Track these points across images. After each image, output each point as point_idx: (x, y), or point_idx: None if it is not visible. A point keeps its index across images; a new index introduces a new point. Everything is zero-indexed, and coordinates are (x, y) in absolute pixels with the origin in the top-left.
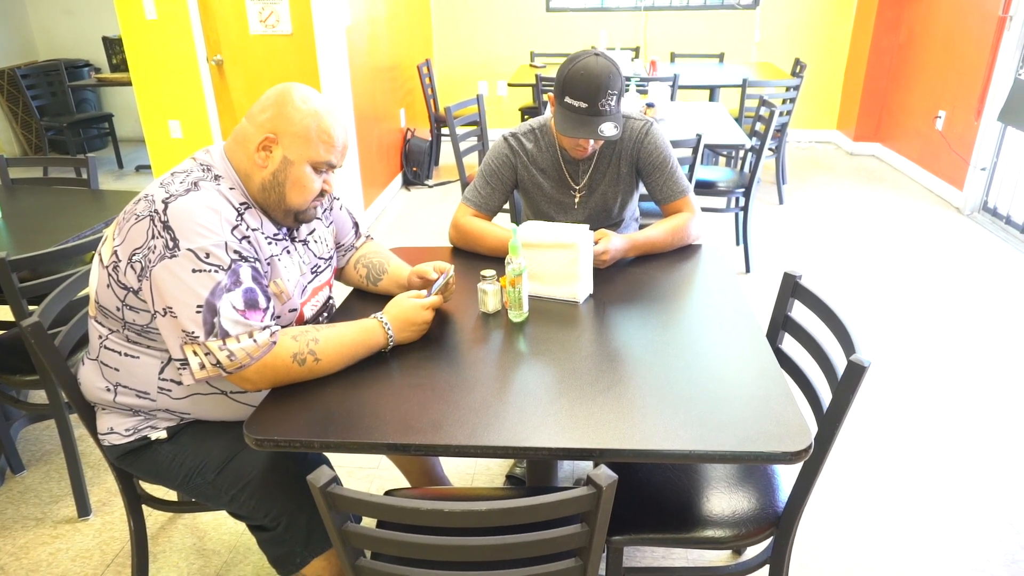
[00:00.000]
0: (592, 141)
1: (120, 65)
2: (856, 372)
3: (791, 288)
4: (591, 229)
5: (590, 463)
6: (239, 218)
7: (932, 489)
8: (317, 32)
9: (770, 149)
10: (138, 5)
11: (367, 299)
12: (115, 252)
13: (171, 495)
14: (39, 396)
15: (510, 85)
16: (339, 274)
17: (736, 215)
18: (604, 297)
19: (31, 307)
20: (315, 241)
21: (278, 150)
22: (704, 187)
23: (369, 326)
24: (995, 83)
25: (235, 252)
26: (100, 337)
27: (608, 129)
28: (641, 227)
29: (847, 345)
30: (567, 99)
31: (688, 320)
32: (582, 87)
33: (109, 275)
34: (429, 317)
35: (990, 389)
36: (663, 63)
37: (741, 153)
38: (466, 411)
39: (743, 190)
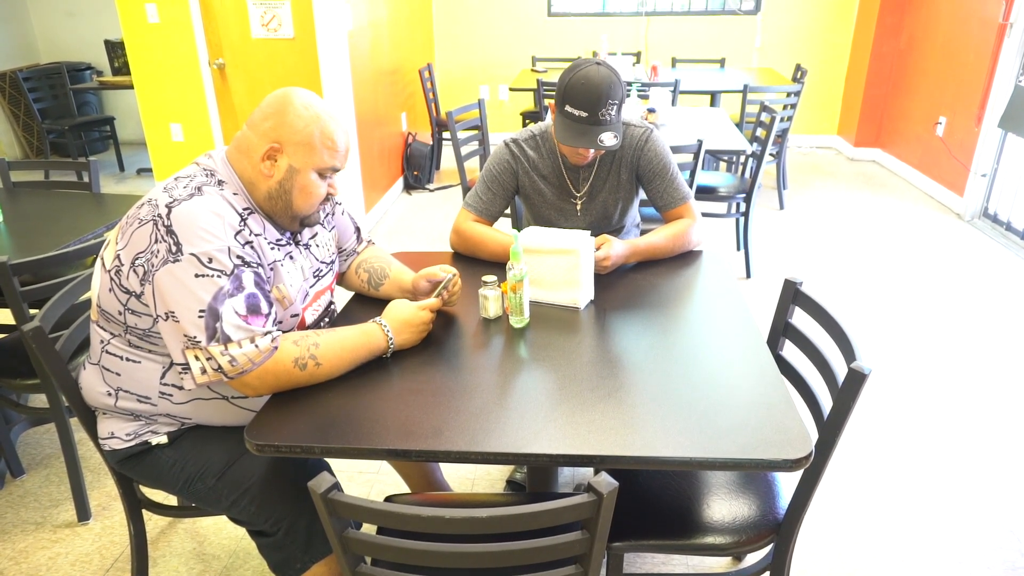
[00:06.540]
0: (592, 149)
1: (122, 68)
2: (857, 379)
3: (792, 295)
4: (592, 235)
5: (590, 468)
6: (242, 223)
7: (932, 495)
8: (319, 36)
9: (771, 154)
10: (140, 8)
11: (368, 304)
12: (118, 256)
13: (171, 499)
14: (39, 400)
15: (512, 89)
16: (340, 279)
17: (737, 220)
18: (605, 303)
19: (32, 311)
20: (317, 245)
21: (283, 159)
22: (705, 192)
23: (369, 330)
24: (995, 89)
25: (238, 257)
26: (102, 341)
27: (608, 139)
28: (642, 233)
29: (848, 352)
30: (567, 108)
31: (689, 326)
32: (583, 96)
33: (111, 279)
34: (428, 318)
35: (990, 396)
36: (664, 68)
37: (742, 158)
38: (467, 417)
39: (744, 195)
